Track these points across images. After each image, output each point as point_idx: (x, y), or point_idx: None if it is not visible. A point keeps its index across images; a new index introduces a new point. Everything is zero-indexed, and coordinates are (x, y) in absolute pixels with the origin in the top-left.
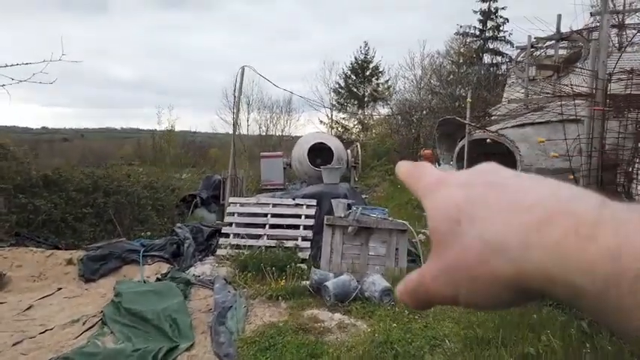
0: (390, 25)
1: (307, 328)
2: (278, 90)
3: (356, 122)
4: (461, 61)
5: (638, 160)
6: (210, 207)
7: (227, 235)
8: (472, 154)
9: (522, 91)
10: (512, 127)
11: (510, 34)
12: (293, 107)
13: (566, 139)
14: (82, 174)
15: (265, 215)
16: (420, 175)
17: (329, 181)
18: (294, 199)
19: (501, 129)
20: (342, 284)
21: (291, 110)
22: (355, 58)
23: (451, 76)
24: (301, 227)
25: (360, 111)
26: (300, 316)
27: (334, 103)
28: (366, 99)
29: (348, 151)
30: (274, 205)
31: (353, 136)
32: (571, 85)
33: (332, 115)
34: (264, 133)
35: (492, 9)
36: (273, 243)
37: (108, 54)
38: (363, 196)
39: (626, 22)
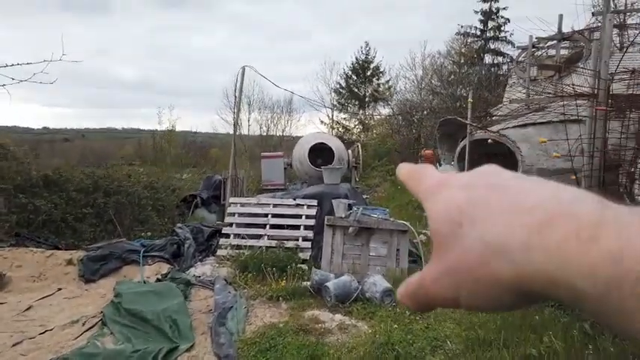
0: (390, 25)
1: (308, 329)
2: (279, 90)
3: (357, 122)
4: (462, 61)
5: None
6: (211, 207)
7: (227, 236)
8: (473, 155)
9: (524, 91)
10: (514, 127)
11: (511, 34)
12: (294, 107)
13: (567, 140)
14: (82, 174)
15: (266, 215)
16: (421, 177)
17: (330, 181)
18: (294, 200)
19: (503, 129)
20: (343, 285)
21: (291, 110)
22: (356, 58)
23: (452, 77)
24: (302, 227)
25: (360, 111)
26: (300, 316)
27: (335, 103)
28: (367, 99)
29: (349, 151)
30: (275, 206)
31: (354, 137)
32: (573, 85)
33: (333, 116)
34: (264, 134)
35: (493, 9)
36: (273, 243)
37: (108, 54)
38: (364, 197)
39: (628, 22)
